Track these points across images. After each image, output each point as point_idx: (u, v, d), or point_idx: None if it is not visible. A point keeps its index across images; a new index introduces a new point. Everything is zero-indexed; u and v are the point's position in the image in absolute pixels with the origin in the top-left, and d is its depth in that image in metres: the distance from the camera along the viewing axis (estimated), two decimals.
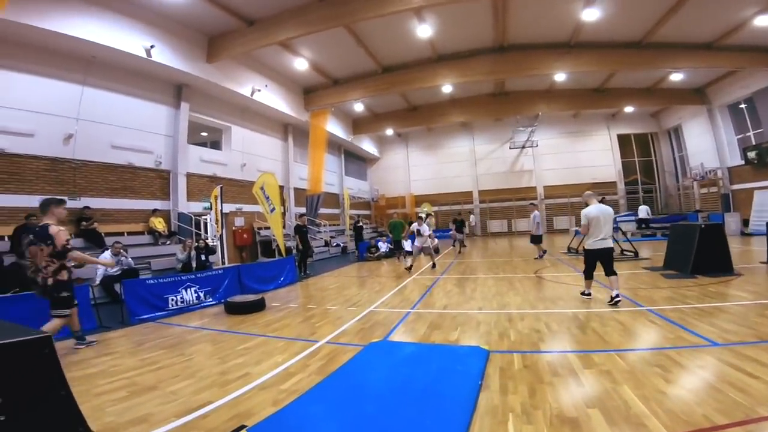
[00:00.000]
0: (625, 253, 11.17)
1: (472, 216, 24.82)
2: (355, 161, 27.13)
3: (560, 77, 17.62)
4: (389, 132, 25.18)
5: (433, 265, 11.04)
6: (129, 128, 11.19)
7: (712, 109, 19.17)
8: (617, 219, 16.45)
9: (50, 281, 4.59)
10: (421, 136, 27.43)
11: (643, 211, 19.80)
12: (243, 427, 2.74)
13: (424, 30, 13.33)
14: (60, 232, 4.62)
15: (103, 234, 9.74)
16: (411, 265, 10.91)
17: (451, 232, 17.56)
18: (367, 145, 26.21)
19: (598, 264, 6.04)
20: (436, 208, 26.33)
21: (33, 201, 8.98)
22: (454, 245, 17.36)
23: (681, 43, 14.50)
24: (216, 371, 3.96)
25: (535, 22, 13.48)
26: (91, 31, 9.27)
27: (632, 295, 6.34)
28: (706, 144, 19.74)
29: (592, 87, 19.96)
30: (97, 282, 7.37)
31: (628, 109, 22.18)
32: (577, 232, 9.64)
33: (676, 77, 17.71)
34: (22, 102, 8.96)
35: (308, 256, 11.51)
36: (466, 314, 5.90)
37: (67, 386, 1.52)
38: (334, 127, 20.21)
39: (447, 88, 18.51)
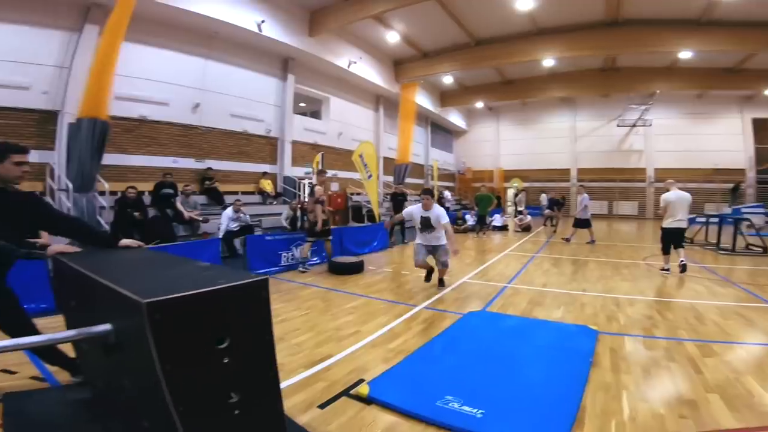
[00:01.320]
0: (751, 247, 9.93)
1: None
2: (441, 133, 26.63)
3: (685, 55, 15.18)
4: (479, 105, 24.27)
5: (441, 282, 6.26)
6: (244, 98, 12.20)
7: None
8: (742, 210, 14.52)
9: (314, 219, 7.30)
10: (514, 110, 25.90)
11: None
12: (362, 380, 2.99)
13: (524, 2, 12.44)
14: (317, 189, 7.51)
15: (222, 193, 10.91)
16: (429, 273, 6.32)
17: (546, 211, 16.87)
18: (455, 118, 25.58)
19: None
20: (527, 184, 25.01)
21: (167, 162, 10.32)
22: (545, 224, 16.71)
23: None
24: (331, 327, 4.31)
25: None
26: (211, 8, 10.04)
27: (759, 292, 5.72)
28: None
29: (724, 66, 16.90)
30: (220, 236, 8.27)
31: None
32: (692, 221, 8.59)
33: None
34: (159, 74, 10.11)
35: (401, 225, 11.76)
36: (568, 294, 5.78)
37: (271, 330, 1.54)
38: (421, 99, 19.94)
39: (548, 62, 17.17)
